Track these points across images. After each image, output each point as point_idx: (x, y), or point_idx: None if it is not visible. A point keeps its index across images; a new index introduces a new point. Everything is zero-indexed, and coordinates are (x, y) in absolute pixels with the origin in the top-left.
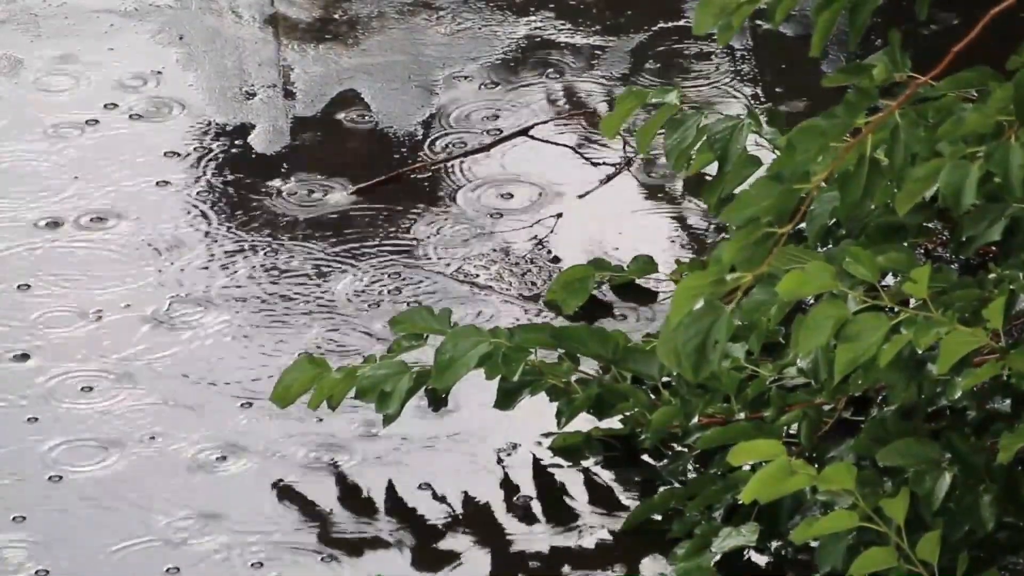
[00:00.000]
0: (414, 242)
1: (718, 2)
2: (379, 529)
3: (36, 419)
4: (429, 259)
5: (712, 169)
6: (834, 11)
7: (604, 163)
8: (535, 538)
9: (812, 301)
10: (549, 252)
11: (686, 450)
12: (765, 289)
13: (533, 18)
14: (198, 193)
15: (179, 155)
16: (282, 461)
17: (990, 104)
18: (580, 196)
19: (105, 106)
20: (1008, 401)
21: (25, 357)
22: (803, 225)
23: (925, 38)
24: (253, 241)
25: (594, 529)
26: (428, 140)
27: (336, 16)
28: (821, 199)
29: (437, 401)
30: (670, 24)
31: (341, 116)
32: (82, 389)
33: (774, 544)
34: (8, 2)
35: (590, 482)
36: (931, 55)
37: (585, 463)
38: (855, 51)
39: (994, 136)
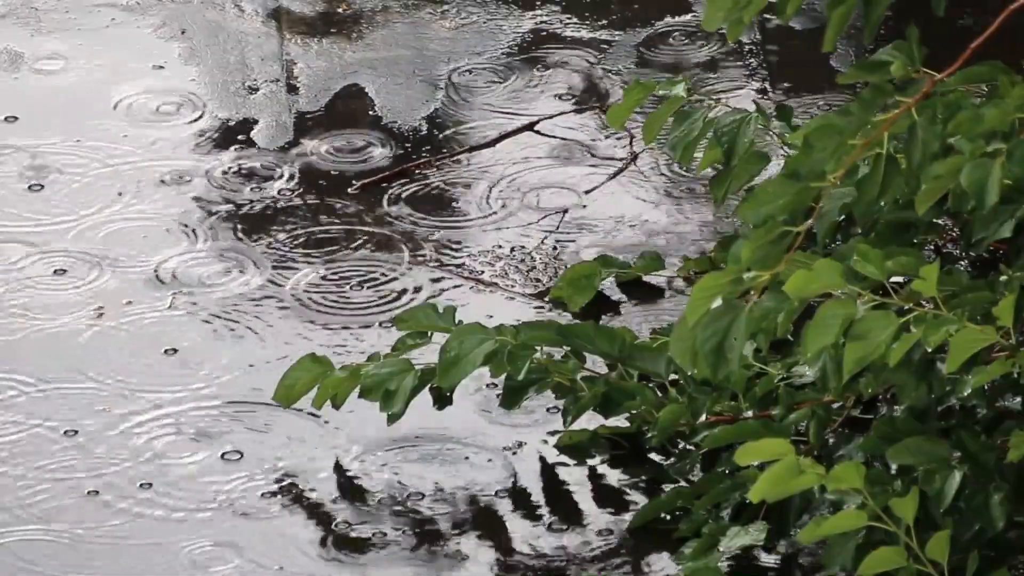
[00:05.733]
0: (418, 238)
1: None
2: (383, 528)
3: None
4: (433, 255)
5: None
6: (848, 6)
7: (610, 158)
8: (541, 536)
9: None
10: (555, 248)
11: (693, 448)
12: (774, 295)
13: (539, 12)
14: (201, 189)
15: (181, 151)
16: (283, 459)
17: (1008, 101)
18: (586, 192)
19: (106, 103)
20: (1019, 399)
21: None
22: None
23: (939, 33)
24: (255, 238)
25: (600, 528)
26: (432, 135)
27: (340, 10)
28: (831, 196)
29: (442, 399)
30: (677, 18)
31: (345, 111)
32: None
33: (782, 543)
34: None
35: (596, 480)
36: (945, 50)
37: (591, 461)
38: (869, 46)
39: (1008, 135)
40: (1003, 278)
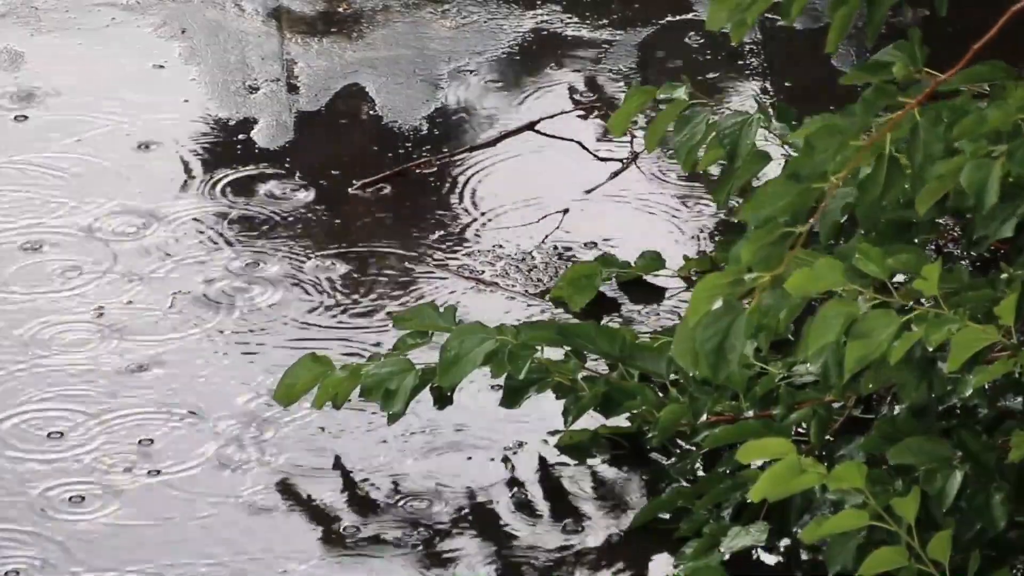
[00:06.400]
0: (418, 238)
1: None
2: (384, 528)
3: None
4: (434, 255)
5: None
6: (851, 7)
7: (611, 158)
8: (541, 537)
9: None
10: (555, 248)
11: (694, 448)
12: (775, 292)
13: (539, 12)
14: (199, 189)
15: (181, 150)
16: (284, 458)
17: (1010, 102)
18: (587, 191)
19: (107, 101)
20: (1020, 399)
21: None
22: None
23: (939, 33)
24: (256, 237)
25: (601, 528)
26: (433, 135)
27: (340, 9)
28: (834, 196)
29: (442, 399)
30: (678, 18)
31: (345, 111)
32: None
33: (783, 543)
34: None
35: (597, 480)
36: (946, 50)
37: (592, 461)
38: (870, 47)
39: (1012, 136)
40: (1004, 276)
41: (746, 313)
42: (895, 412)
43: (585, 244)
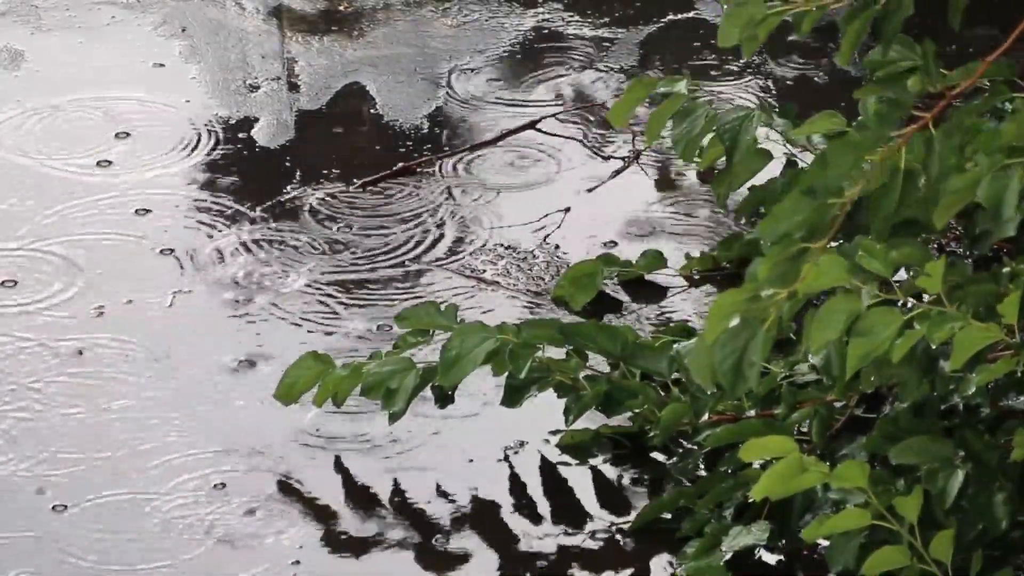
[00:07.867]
0: (419, 237)
1: (744, 14)
2: (385, 528)
3: None
4: (434, 254)
5: (720, 163)
6: (864, 20)
7: (613, 157)
8: (542, 537)
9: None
10: (557, 247)
11: (696, 448)
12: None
13: (541, 10)
14: (201, 187)
15: (182, 149)
16: (284, 459)
17: None
18: (588, 190)
19: (107, 101)
20: (1022, 398)
21: None
22: None
23: (951, 47)
24: (256, 236)
25: (602, 528)
26: (434, 133)
27: (341, 8)
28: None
29: (443, 398)
30: (680, 16)
31: (346, 109)
32: None
33: (785, 543)
34: None
35: (598, 480)
36: (947, 51)
37: (593, 461)
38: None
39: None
40: (1006, 269)
41: (763, 330)
42: (897, 411)
43: (587, 242)
